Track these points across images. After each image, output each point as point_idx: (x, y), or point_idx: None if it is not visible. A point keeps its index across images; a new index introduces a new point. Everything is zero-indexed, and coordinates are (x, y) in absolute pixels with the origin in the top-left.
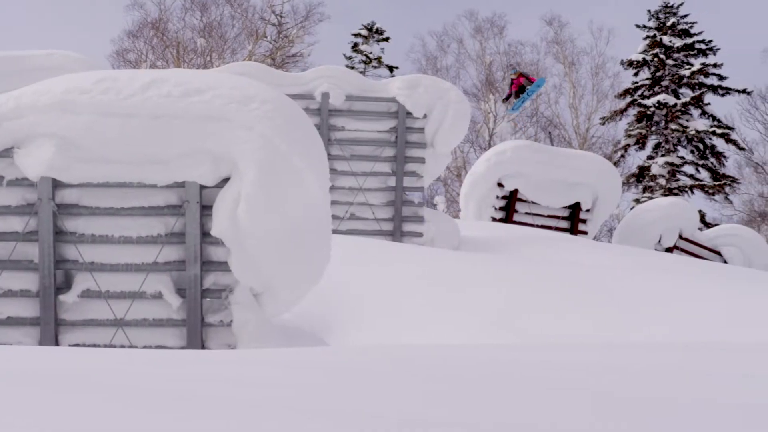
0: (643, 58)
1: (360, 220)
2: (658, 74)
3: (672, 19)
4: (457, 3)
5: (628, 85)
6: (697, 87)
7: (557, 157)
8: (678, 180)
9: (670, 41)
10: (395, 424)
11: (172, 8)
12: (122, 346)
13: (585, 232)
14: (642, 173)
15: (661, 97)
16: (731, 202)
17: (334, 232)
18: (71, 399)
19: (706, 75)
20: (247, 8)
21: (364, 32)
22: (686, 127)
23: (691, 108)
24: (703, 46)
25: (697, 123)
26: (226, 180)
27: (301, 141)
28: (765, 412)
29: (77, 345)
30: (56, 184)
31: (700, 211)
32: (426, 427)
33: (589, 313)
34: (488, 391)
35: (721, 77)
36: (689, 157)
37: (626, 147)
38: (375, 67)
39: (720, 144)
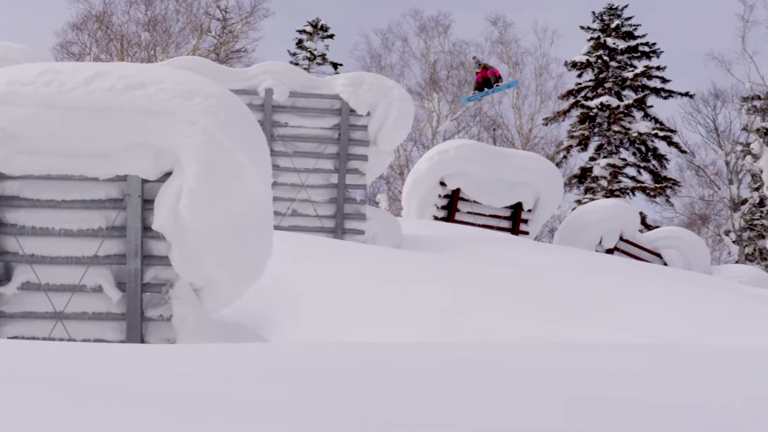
0: (587, 60)
1: (302, 217)
2: (601, 76)
3: (616, 21)
4: (402, 1)
5: (571, 86)
6: (640, 89)
7: (500, 157)
8: (620, 182)
9: (613, 43)
10: (334, 421)
11: (117, 1)
12: (61, 340)
13: (526, 233)
14: (584, 174)
15: (604, 99)
16: (672, 205)
17: (276, 228)
18: (6, 390)
19: (650, 77)
20: (191, 3)
21: (309, 29)
22: (629, 129)
23: (634, 110)
24: (646, 49)
25: (640, 125)
26: (168, 174)
27: (244, 136)
28: (723, 413)
29: (16, 337)
30: None
31: (641, 213)
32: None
33: (531, 313)
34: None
35: (664, 80)
36: (631, 159)
37: (569, 148)
38: (319, 64)
39: (662, 146)
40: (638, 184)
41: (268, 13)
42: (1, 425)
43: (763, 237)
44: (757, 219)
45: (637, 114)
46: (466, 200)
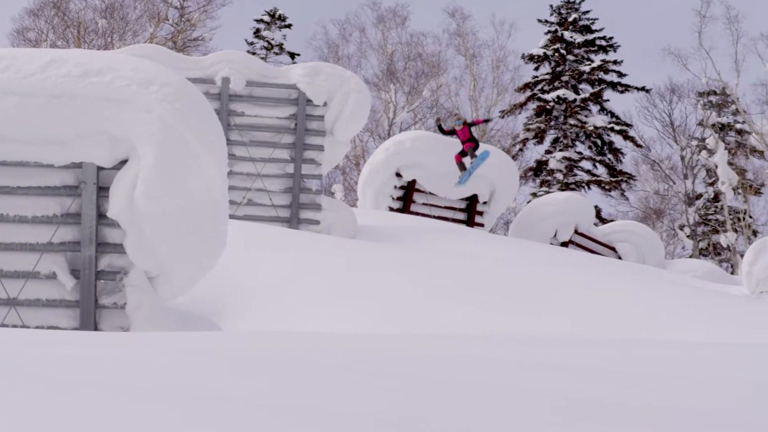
0: (544, 53)
1: (257, 206)
2: (558, 69)
3: (573, 15)
4: None
5: (528, 79)
6: (596, 83)
7: (456, 149)
8: (575, 175)
9: (571, 37)
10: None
11: None
12: (14, 326)
13: (481, 225)
14: (540, 167)
15: (561, 92)
16: (627, 199)
17: (231, 217)
18: None
19: (606, 71)
20: None
21: (267, 18)
22: (585, 122)
23: (590, 104)
24: (603, 43)
25: (596, 119)
26: (124, 162)
27: (200, 125)
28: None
29: None
30: None
31: (596, 207)
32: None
33: (485, 304)
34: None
35: (620, 74)
36: (587, 152)
37: (525, 141)
38: (277, 54)
39: (618, 140)
40: (594, 178)
41: (225, 2)
42: None
43: (716, 232)
44: (711, 214)
45: (594, 108)
46: (422, 191)
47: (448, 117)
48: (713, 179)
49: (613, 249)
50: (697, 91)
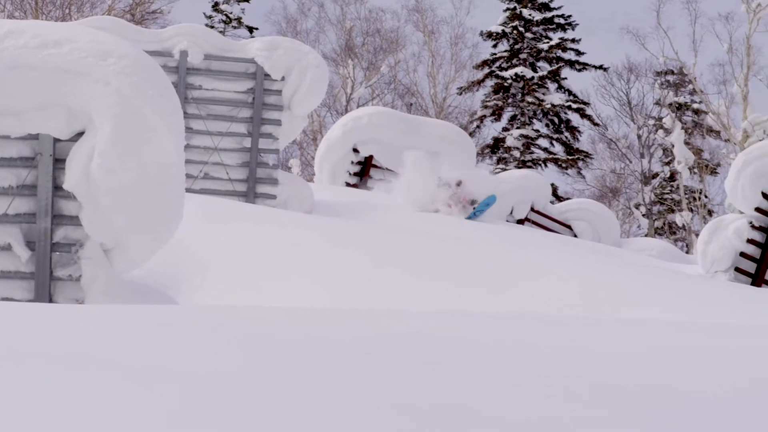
0: (503, 30)
1: (214, 180)
2: (516, 47)
3: None
4: None
5: (486, 56)
6: (554, 61)
7: (413, 125)
8: (532, 153)
9: (529, 14)
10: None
11: None
12: None
13: None
14: (497, 145)
15: (519, 70)
16: (584, 177)
17: (188, 191)
18: None
19: (564, 50)
20: None
21: None
22: (542, 100)
23: (548, 82)
24: (562, 21)
25: (554, 97)
26: (80, 134)
27: (158, 98)
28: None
29: None
30: None
31: (552, 185)
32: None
33: (441, 282)
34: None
35: (578, 52)
36: (544, 130)
37: (482, 118)
38: (235, 28)
39: (575, 119)
40: (550, 156)
41: None
42: None
43: (672, 211)
44: (667, 193)
45: (551, 86)
46: (379, 167)
47: (405, 93)
48: (669, 158)
49: (569, 227)
50: (654, 70)
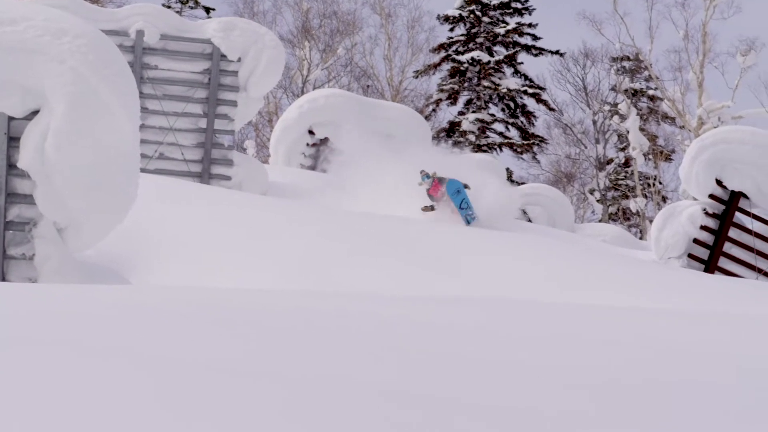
0: (460, 14)
1: (169, 161)
2: (473, 31)
3: None
4: None
5: (443, 40)
6: (511, 46)
7: (369, 108)
8: (487, 137)
9: None
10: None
11: None
12: None
13: None
14: (452, 128)
15: (475, 54)
16: (539, 162)
17: (143, 171)
18: None
19: (521, 34)
20: None
21: None
22: (498, 85)
23: (504, 66)
24: (519, 5)
25: (510, 81)
26: (35, 112)
27: (113, 77)
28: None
29: None
30: None
31: (507, 169)
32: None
33: (392, 264)
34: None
35: (535, 37)
36: (500, 114)
37: (438, 102)
38: (192, 8)
39: (531, 104)
40: (506, 140)
41: None
42: None
43: (626, 197)
44: (622, 179)
45: (508, 70)
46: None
47: (361, 75)
48: (624, 144)
49: (523, 212)
50: (610, 56)
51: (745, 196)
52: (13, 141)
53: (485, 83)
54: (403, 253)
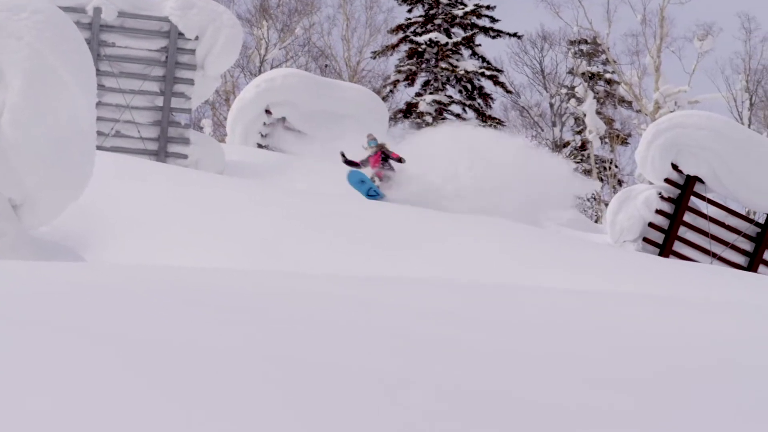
0: None
1: (125, 138)
2: (431, 12)
3: None
4: None
5: (401, 21)
6: (469, 27)
7: (327, 88)
8: (444, 118)
9: None
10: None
11: None
12: None
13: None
14: (410, 109)
15: (433, 36)
16: None
17: (99, 148)
18: None
19: (479, 16)
20: None
21: None
22: (456, 66)
23: (462, 48)
24: None
25: (467, 63)
26: None
27: (70, 54)
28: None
29: None
30: None
31: None
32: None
33: (350, 245)
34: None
35: (493, 19)
36: (457, 96)
37: (395, 83)
38: None
39: (488, 86)
40: (463, 122)
41: None
42: None
43: None
44: (578, 162)
45: (465, 52)
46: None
47: (319, 56)
48: (581, 128)
49: None
50: (568, 39)
51: (701, 181)
52: None
53: (443, 65)
54: (361, 235)
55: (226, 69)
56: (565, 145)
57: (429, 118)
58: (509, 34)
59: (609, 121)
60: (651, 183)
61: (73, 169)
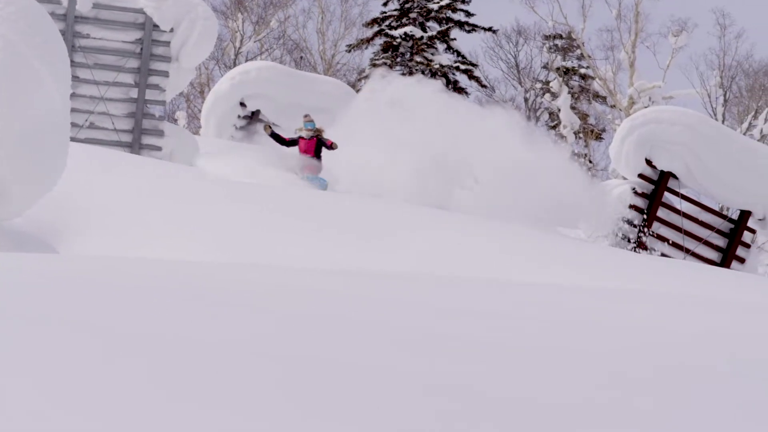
0: None
1: (99, 130)
2: (406, 6)
3: None
4: None
5: (376, 14)
6: (444, 21)
7: (301, 81)
8: None
9: None
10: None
11: None
12: None
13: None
14: None
15: (408, 29)
16: None
17: (73, 140)
18: None
19: (454, 10)
20: None
21: None
22: (431, 60)
23: (437, 42)
24: None
25: (442, 57)
26: None
27: (44, 45)
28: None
29: None
30: None
31: None
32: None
33: (329, 238)
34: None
35: (468, 13)
36: None
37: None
38: None
39: (463, 80)
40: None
41: None
42: None
43: None
44: None
45: (440, 46)
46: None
47: (294, 48)
48: (556, 122)
49: None
50: (543, 34)
51: (675, 176)
52: None
53: (418, 59)
54: (336, 227)
55: (201, 61)
56: None
57: None
58: (484, 29)
59: (583, 116)
60: (625, 178)
61: (47, 161)
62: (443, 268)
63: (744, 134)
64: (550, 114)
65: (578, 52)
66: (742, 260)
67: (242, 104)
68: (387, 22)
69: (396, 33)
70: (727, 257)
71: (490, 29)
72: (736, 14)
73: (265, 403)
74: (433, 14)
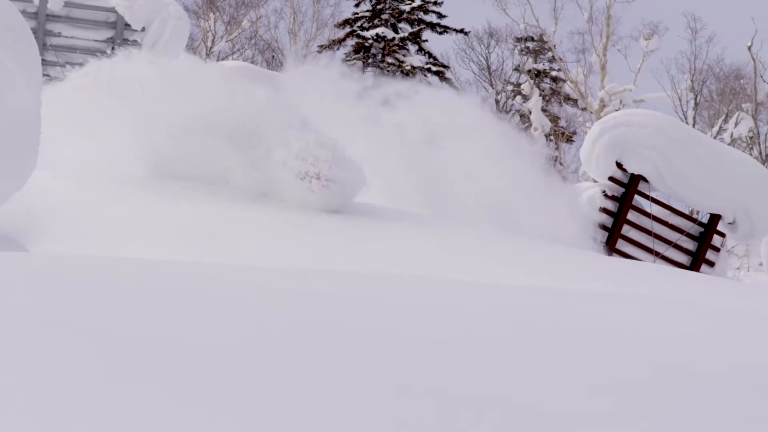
0: None
1: None
2: (378, 7)
3: None
4: None
5: (348, 15)
6: (416, 23)
7: (272, 80)
8: None
9: None
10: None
11: None
12: None
13: None
14: None
15: (380, 30)
16: None
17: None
18: None
19: (426, 12)
20: None
21: None
22: (402, 62)
23: (409, 43)
24: None
25: (414, 59)
26: None
27: (15, 44)
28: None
29: None
30: None
31: None
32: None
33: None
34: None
35: (440, 15)
36: None
37: None
38: None
39: (434, 81)
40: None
41: None
42: None
43: None
44: None
45: (412, 47)
46: None
47: (266, 48)
48: (527, 125)
49: None
50: (515, 36)
51: (645, 180)
52: None
53: (389, 60)
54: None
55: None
56: None
57: None
58: (456, 30)
59: (554, 119)
60: (595, 181)
61: (17, 160)
62: (412, 267)
63: (714, 138)
64: (521, 116)
65: (550, 54)
66: (711, 264)
67: None
68: (359, 23)
69: (368, 34)
70: (697, 261)
71: (461, 31)
72: (707, 18)
73: (259, 404)
74: (405, 15)
